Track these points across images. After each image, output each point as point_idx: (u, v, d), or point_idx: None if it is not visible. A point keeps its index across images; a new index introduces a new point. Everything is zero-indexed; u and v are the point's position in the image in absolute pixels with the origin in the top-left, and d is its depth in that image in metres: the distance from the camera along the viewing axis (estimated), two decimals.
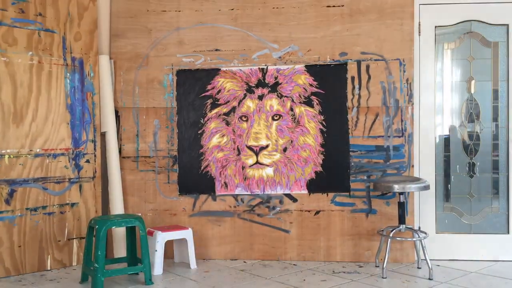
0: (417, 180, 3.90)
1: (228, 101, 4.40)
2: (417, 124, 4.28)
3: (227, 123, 4.40)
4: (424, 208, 4.30)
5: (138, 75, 4.48)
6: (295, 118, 4.32)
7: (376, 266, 4.11)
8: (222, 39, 4.39)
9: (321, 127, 4.31)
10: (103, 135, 4.43)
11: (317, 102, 4.30)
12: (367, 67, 4.25)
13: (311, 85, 4.30)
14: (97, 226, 3.60)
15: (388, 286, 3.64)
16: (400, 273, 3.93)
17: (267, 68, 4.33)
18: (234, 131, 4.39)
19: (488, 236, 4.27)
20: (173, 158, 4.45)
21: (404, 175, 4.19)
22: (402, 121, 4.24)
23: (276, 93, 4.34)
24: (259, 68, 4.35)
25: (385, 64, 4.24)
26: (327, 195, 4.31)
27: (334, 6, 4.28)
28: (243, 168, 4.38)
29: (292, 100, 4.32)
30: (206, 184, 4.42)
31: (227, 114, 4.40)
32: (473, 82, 4.32)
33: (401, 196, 3.90)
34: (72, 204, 4.26)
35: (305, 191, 4.32)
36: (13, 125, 3.98)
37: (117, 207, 4.35)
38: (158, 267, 3.98)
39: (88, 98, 4.36)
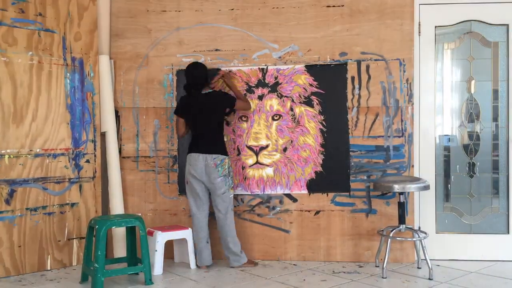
0: (417, 180, 3.90)
1: None
2: (417, 124, 4.28)
3: (227, 123, 4.39)
4: (424, 208, 4.30)
5: (138, 75, 4.48)
6: (295, 118, 4.32)
7: (376, 266, 4.11)
8: (222, 39, 4.39)
9: (321, 127, 4.31)
10: (103, 135, 4.43)
11: (317, 102, 4.30)
12: (367, 67, 4.25)
13: (311, 85, 4.30)
14: (97, 226, 3.60)
15: (388, 286, 3.65)
16: (400, 273, 3.93)
17: (267, 68, 4.33)
18: (234, 131, 4.39)
19: (488, 236, 4.27)
20: (173, 158, 4.45)
21: (404, 175, 4.19)
22: (402, 121, 4.24)
23: (276, 93, 4.34)
24: (259, 68, 4.35)
25: (385, 64, 4.24)
26: (327, 195, 4.31)
27: (334, 6, 4.28)
28: (243, 168, 4.38)
29: (292, 100, 4.32)
30: None
31: (227, 114, 4.39)
32: (473, 82, 4.32)
33: (401, 196, 3.90)
34: (72, 204, 4.26)
35: (305, 191, 4.32)
36: (13, 125, 3.98)
37: (117, 207, 4.35)
38: (158, 267, 3.98)
39: (88, 98, 4.36)
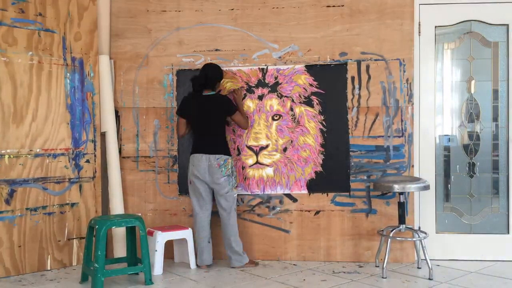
0: (417, 180, 3.90)
1: None
2: (417, 124, 4.28)
3: (227, 123, 4.39)
4: (424, 208, 4.30)
5: (138, 75, 4.48)
6: (295, 118, 4.32)
7: (376, 266, 4.11)
8: (222, 39, 4.39)
9: (321, 127, 4.31)
10: (103, 135, 4.43)
11: (317, 102, 4.30)
12: (367, 67, 4.25)
13: (311, 85, 4.30)
14: (97, 226, 3.60)
15: (388, 286, 3.65)
16: (400, 273, 3.93)
17: (267, 68, 4.33)
18: (234, 131, 4.39)
19: (488, 236, 4.27)
20: (173, 158, 4.45)
21: (404, 175, 4.19)
22: (402, 121, 4.24)
23: (276, 93, 4.34)
24: (259, 68, 4.35)
25: (385, 64, 4.24)
26: (327, 195, 4.31)
27: (334, 6, 4.28)
28: (243, 168, 4.38)
29: (292, 100, 4.32)
30: None
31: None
32: (473, 82, 4.32)
33: (401, 196, 3.90)
34: (72, 204, 4.26)
35: (305, 191, 4.32)
36: (13, 125, 3.98)
37: (117, 207, 4.35)
38: (158, 267, 3.98)
39: (88, 98, 4.36)
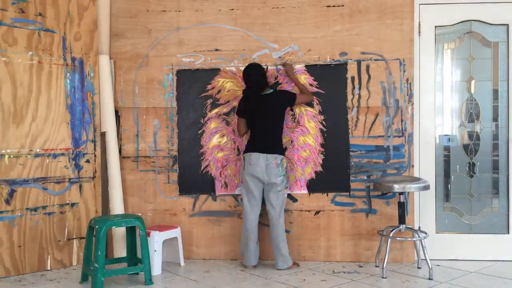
0: (417, 180, 3.90)
1: (228, 101, 4.40)
2: (417, 124, 4.28)
3: (227, 123, 4.40)
4: (424, 208, 4.30)
5: (138, 75, 4.48)
6: (295, 118, 4.31)
7: (376, 266, 4.11)
8: (222, 39, 4.39)
9: (321, 127, 4.31)
10: (103, 135, 4.43)
11: (317, 102, 4.30)
12: (367, 67, 4.25)
13: (311, 85, 4.30)
14: (97, 226, 3.60)
15: (388, 286, 3.64)
16: (400, 273, 3.93)
17: (267, 68, 4.33)
18: (234, 131, 4.39)
19: (488, 236, 4.27)
20: (173, 158, 4.45)
21: (404, 175, 4.19)
22: (402, 121, 4.24)
23: None
24: None
25: (385, 64, 4.24)
26: (327, 195, 4.31)
27: (334, 6, 4.28)
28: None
29: None
30: (206, 184, 4.42)
31: (227, 114, 4.40)
32: (473, 82, 4.32)
33: (401, 196, 3.90)
34: (72, 204, 4.26)
35: (305, 191, 4.32)
36: (13, 125, 3.98)
37: (117, 207, 4.35)
38: (157, 267, 3.98)
39: (88, 98, 4.36)
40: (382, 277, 3.80)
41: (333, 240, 4.30)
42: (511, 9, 4.21)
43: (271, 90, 4.10)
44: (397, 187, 3.81)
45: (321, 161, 4.31)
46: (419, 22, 4.26)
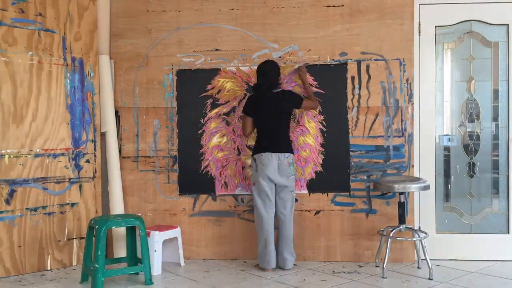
0: (417, 180, 3.90)
1: (228, 101, 4.40)
2: (417, 124, 4.28)
3: (227, 123, 4.40)
4: (424, 208, 4.30)
5: (138, 75, 4.48)
6: (295, 118, 4.31)
7: (376, 266, 4.11)
8: (222, 39, 4.39)
9: (321, 127, 4.31)
10: (103, 135, 4.43)
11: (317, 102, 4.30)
12: (367, 67, 4.25)
13: (311, 85, 4.29)
14: (97, 226, 3.60)
15: (388, 286, 3.64)
16: (400, 273, 3.93)
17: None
18: (234, 131, 4.39)
19: (488, 236, 4.27)
20: (173, 158, 4.45)
21: (404, 175, 4.19)
22: (402, 121, 4.24)
23: None
24: None
25: (385, 64, 4.24)
26: (327, 195, 4.31)
27: (334, 6, 4.28)
28: (243, 168, 4.38)
29: None
30: (206, 184, 4.42)
31: (227, 114, 4.40)
32: (473, 82, 4.32)
33: (401, 196, 3.90)
34: (72, 204, 4.26)
35: (305, 191, 4.32)
36: (13, 125, 3.98)
37: (117, 207, 4.35)
38: (157, 267, 3.98)
39: (88, 98, 4.36)
40: (382, 277, 3.80)
41: (333, 240, 4.30)
42: (511, 9, 4.21)
43: (279, 89, 4.07)
44: (397, 187, 3.81)
45: (321, 161, 4.31)
46: (419, 22, 4.26)
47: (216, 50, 4.40)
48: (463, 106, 4.33)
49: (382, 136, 4.26)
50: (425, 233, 3.95)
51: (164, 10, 4.44)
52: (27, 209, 4.02)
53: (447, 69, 4.34)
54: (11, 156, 3.97)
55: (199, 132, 4.43)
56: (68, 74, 4.26)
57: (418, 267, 4.04)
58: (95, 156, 4.39)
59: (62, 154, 4.22)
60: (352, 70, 4.27)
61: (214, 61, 4.39)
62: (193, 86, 4.42)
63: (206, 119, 4.42)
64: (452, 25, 4.28)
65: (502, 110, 4.27)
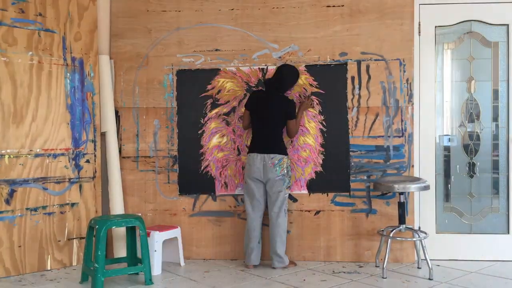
0: (417, 180, 3.90)
1: (228, 101, 4.40)
2: (417, 124, 4.28)
3: (227, 123, 4.40)
4: (424, 208, 4.30)
5: (138, 75, 4.48)
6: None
7: (376, 266, 4.11)
8: (222, 39, 4.39)
9: (321, 127, 4.31)
10: (103, 135, 4.43)
11: (317, 102, 4.30)
12: (367, 67, 4.25)
13: (311, 85, 4.30)
14: (97, 226, 3.60)
15: (388, 286, 3.64)
16: (400, 273, 3.93)
17: (267, 68, 4.33)
18: (234, 131, 4.39)
19: (488, 236, 4.27)
20: (173, 158, 4.45)
21: (404, 175, 4.19)
22: (402, 121, 4.24)
23: None
24: (259, 68, 4.35)
25: (385, 64, 4.24)
26: (327, 195, 4.31)
27: (334, 6, 4.28)
28: (243, 168, 4.38)
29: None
30: (206, 184, 4.42)
31: (227, 114, 4.40)
32: (473, 82, 4.32)
33: (401, 196, 3.90)
34: (72, 204, 4.26)
35: (305, 191, 4.32)
36: (13, 125, 3.98)
37: (117, 207, 4.35)
38: (157, 267, 3.98)
39: (88, 98, 4.36)
40: (382, 277, 3.80)
41: (333, 240, 4.30)
42: (511, 9, 4.21)
43: (280, 94, 4.08)
44: (397, 187, 3.81)
45: (321, 161, 4.31)
46: (419, 22, 4.26)
47: (216, 50, 4.40)
48: (463, 106, 4.33)
49: (382, 136, 4.26)
50: (425, 233, 3.95)
51: (164, 10, 4.44)
52: (27, 209, 4.02)
53: (447, 69, 4.34)
54: (11, 156, 3.97)
55: (199, 132, 4.43)
56: (68, 74, 4.26)
57: (418, 267, 4.04)
58: (95, 156, 4.39)
59: (62, 154, 4.22)
60: (352, 70, 4.27)
61: (214, 61, 4.39)
62: (193, 86, 4.42)
63: (206, 119, 4.42)
64: (452, 25, 4.28)
65: (502, 110, 4.27)
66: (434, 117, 4.31)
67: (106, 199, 4.42)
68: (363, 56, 4.25)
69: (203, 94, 4.42)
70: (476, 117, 4.31)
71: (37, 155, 4.09)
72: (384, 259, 3.82)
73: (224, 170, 4.40)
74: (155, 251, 3.97)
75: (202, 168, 4.42)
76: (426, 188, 3.87)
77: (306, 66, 4.30)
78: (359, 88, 4.26)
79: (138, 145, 4.49)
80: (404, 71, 4.22)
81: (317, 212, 4.32)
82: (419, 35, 4.27)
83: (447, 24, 4.28)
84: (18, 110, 4.01)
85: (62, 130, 4.22)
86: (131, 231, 3.93)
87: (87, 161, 4.34)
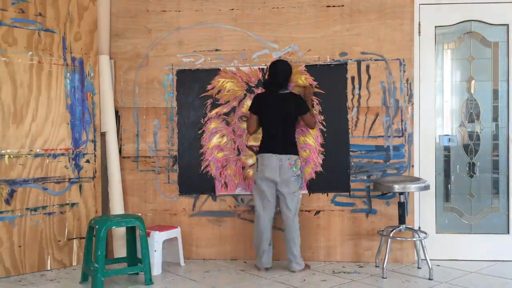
0: (417, 180, 3.90)
1: (228, 101, 4.40)
2: (417, 124, 4.28)
3: (227, 123, 4.40)
4: (424, 208, 4.30)
5: (138, 75, 4.48)
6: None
7: (376, 266, 4.11)
8: (222, 39, 4.39)
9: (321, 127, 4.31)
10: (103, 135, 4.43)
11: (317, 102, 4.30)
12: (367, 67, 4.25)
13: (310, 85, 4.29)
14: (97, 226, 3.60)
15: (388, 286, 3.65)
16: (400, 273, 3.93)
17: (267, 68, 4.33)
18: (234, 131, 4.39)
19: (488, 236, 4.27)
20: (173, 158, 4.45)
21: (404, 175, 4.19)
22: (402, 121, 4.24)
23: None
24: (259, 68, 4.35)
25: (385, 64, 4.24)
26: (327, 195, 4.31)
27: (334, 6, 4.28)
28: (243, 168, 4.38)
29: None
30: (206, 184, 4.42)
31: (227, 114, 4.40)
32: (473, 82, 4.32)
33: (401, 196, 3.90)
34: (72, 204, 4.26)
35: (305, 191, 4.32)
36: (13, 125, 3.98)
37: (117, 207, 4.35)
38: (157, 267, 3.98)
39: (88, 98, 4.36)
40: (382, 277, 3.80)
41: (333, 240, 4.30)
42: (511, 9, 4.21)
43: (287, 91, 4.03)
44: (397, 187, 3.81)
45: (321, 161, 4.31)
46: (419, 22, 4.26)
47: (216, 50, 4.40)
48: (463, 106, 4.33)
49: (382, 136, 4.26)
50: (425, 233, 3.95)
51: (164, 10, 4.44)
52: (27, 209, 4.02)
53: (447, 69, 4.34)
54: (11, 156, 3.97)
55: (199, 132, 4.43)
56: (68, 74, 4.26)
57: (418, 267, 4.04)
58: (95, 156, 4.39)
59: (62, 154, 4.22)
60: (352, 70, 4.27)
61: (214, 61, 4.39)
62: (193, 86, 4.42)
63: (206, 119, 4.42)
64: (452, 25, 4.28)
65: (502, 110, 4.27)
66: (434, 117, 4.31)
67: (106, 199, 4.42)
68: (363, 56, 4.25)
69: (203, 94, 4.42)
70: (476, 117, 4.31)
71: (37, 155, 4.09)
72: (384, 259, 3.82)
73: (224, 170, 4.40)
74: (155, 251, 3.97)
75: (202, 168, 4.42)
76: (426, 188, 3.87)
77: (306, 66, 4.30)
78: (359, 88, 4.26)
79: (138, 145, 4.49)
80: (404, 71, 4.22)
81: (317, 212, 4.32)
82: (419, 35, 4.27)
83: (447, 24, 4.28)
84: (18, 110, 4.01)
85: (62, 130, 4.22)
86: (131, 231, 3.93)
87: (87, 161, 4.34)
